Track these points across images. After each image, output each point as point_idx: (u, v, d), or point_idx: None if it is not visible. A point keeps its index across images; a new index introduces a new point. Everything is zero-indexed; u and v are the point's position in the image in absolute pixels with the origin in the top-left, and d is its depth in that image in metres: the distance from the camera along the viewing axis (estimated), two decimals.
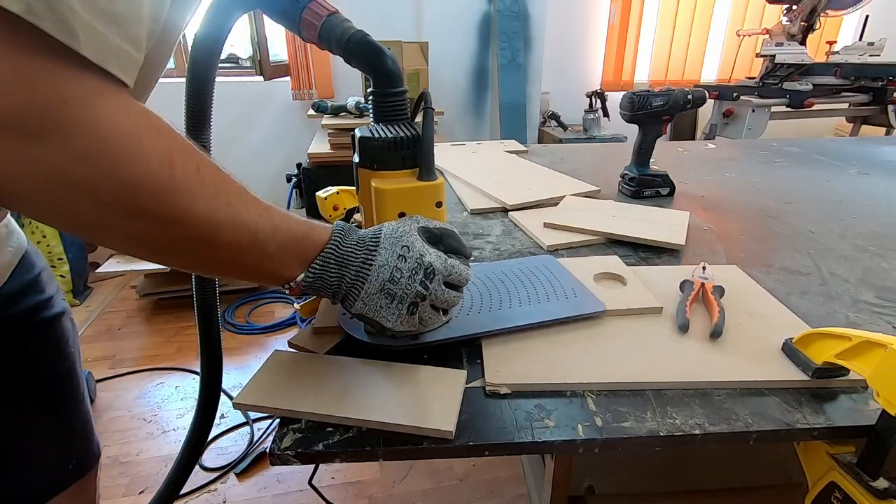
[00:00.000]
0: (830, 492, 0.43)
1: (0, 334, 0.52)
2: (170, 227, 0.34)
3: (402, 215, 0.51)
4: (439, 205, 0.52)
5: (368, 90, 0.54)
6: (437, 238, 0.48)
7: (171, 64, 2.82)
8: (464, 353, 0.53)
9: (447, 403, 0.45)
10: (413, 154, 0.51)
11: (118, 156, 0.31)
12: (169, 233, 0.35)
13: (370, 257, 0.44)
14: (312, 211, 1.82)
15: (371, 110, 0.55)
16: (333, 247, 0.44)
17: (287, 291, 0.44)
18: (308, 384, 0.48)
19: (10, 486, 0.55)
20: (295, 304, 0.63)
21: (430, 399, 0.46)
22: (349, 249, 0.44)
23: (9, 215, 0.56)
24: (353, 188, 0.87)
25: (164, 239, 0.35)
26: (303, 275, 0.43)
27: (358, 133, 0.53)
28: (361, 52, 0.49)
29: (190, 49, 0.52)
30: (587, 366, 0.50)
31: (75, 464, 0.61)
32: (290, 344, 0.56)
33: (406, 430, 0.43)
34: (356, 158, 0.54)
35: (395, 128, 0.52)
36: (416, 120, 0.54)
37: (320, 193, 0.83)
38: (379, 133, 0.51)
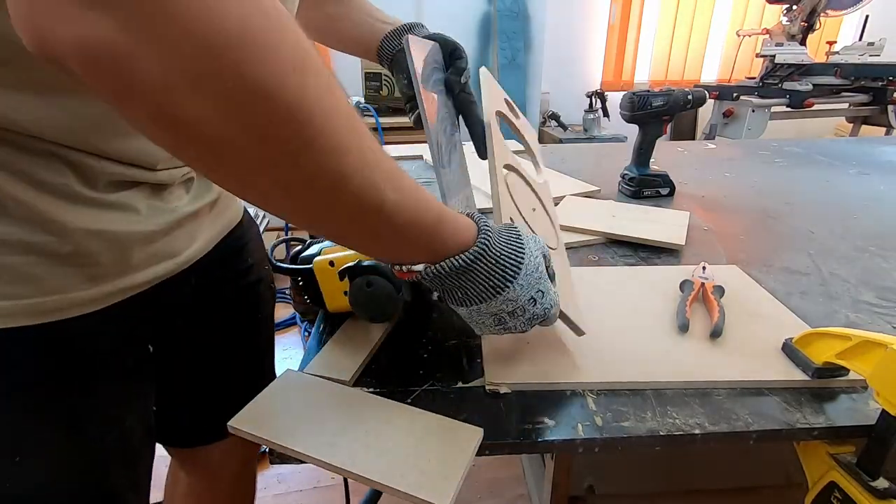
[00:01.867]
0: (830, 492, 0.43)
1: (204, 293, 0.58)
2: (304, 157, 0.28)
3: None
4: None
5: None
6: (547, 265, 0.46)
7: None
8: (463, 352, 0.53)
9: (450, 468, 0.39)
10: None
11: (240, 50, 0.24)
12: (302, 168, 0.29)
13: (502, 285, 0.40)
14: None
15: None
16: (469, 260, 0.39)
17: (393, 268, 0.41)
18: (306, 417, 0.44)
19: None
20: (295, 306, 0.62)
21: (432, 458, 0.40)
22: (482, 268, 0.40)
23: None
24: None
25: (298, 179, 0.29)
26: (423, 267, 0.40)
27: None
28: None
29: None
30: (587, 365, 0.50)
31: None
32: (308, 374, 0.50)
33: (396, 495, 0.38)
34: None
35: None
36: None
37: None
38: None
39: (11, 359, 0.40)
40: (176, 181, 0.50)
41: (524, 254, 0.41)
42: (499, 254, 0.40)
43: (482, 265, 0.40)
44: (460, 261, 0.39)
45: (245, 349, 0.69)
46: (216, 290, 0.61)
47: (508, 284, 0.40)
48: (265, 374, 0.73)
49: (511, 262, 0.41)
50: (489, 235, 0.41)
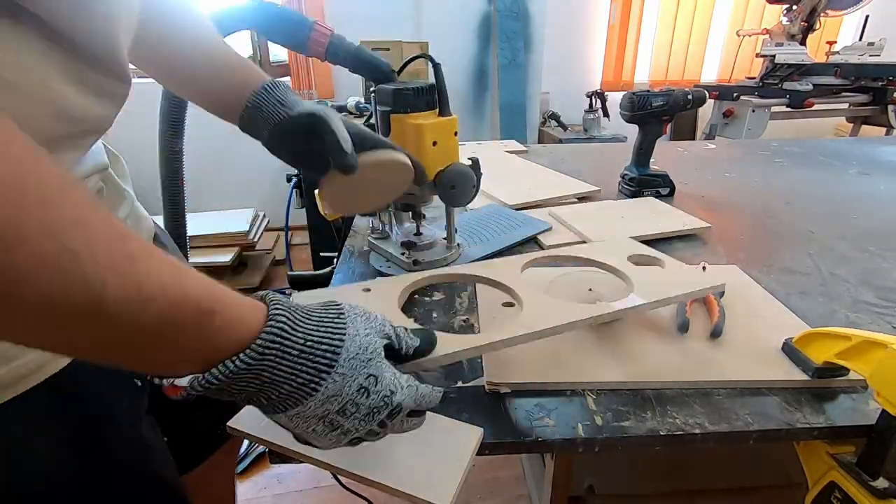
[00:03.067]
0: (830, 492, 0.43)
1: None
2: None
3: (434, 144, 0.64)
4: (455, 133, 0.67)
5: (371, 89, 0.66)
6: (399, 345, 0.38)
7: None
8: None
9: (450, 468, 0.39)
10: (431, 99, 0.65)
11: None
12: None
13: (316, 380, 0.31)
14: (312, 210, 1.82)
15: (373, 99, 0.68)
16: (254, 358, 0.29)
17: (159, 383, 0.30)
18: None
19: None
20: None
21: (433, 458, 0.39)
22: (284, 363, 0.30)
23: (134, 202, 0.57)
24: None
25: None
26: (189, 381, 0.29)
27: (389, 87, 0.64)
28: (371, 63, 0.64)
29: None
30: (588, 365, 0.50)
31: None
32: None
33: (396, 495, 0.37)
34: (383, 108, 0.65)
35: (412, 84, 0.64)
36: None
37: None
38: (406, 86, 0.64)
39: None
40: None
41: (344, 335, 0.33)
42: (304, 340, 0.31)
43: (278, 360, 0.30)
44: (239, 362, 0.28)
45: None
46: None
47: (323, 378, 0.31)
48: None
49: (324, 347, 0.31)
50: (286, 319, 0.31)
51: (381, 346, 0.35)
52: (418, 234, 0.74)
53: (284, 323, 0.31)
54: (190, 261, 2.49)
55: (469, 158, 0.67)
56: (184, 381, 0.29)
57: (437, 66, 0.65)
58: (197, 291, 0.28)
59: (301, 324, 0.32)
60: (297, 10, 0.63)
